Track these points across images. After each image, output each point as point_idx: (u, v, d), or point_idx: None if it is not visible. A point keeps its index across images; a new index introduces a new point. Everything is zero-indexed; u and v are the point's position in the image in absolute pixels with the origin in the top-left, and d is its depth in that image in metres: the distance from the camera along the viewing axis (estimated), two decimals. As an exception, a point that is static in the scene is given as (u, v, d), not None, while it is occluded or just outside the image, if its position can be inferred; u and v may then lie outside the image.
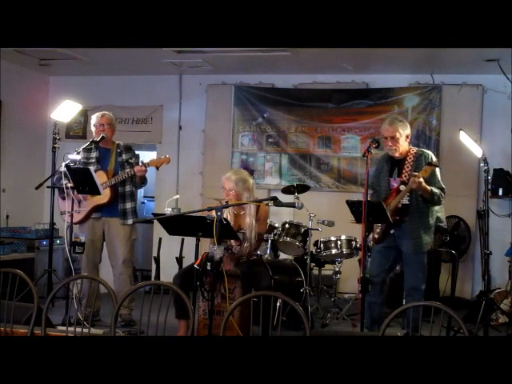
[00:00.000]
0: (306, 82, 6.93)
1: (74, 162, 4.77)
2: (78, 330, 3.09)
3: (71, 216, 4.67)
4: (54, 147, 5.04)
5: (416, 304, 3.10)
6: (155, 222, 5.49)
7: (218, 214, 3.47)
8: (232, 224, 4.14)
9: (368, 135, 6.60)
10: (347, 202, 4.19)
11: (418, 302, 3.65)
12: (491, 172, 5.43)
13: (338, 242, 5.32)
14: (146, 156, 7.11)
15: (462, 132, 5.25)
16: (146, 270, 7.31)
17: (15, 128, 6.95)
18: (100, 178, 4.75)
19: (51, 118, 5.58)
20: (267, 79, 7.05)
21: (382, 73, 6.68)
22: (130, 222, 4.95)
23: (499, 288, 5.66)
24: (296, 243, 5.26)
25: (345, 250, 5.30)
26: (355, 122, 6.79)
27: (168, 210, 5.06)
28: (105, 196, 4.82)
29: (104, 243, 5.07)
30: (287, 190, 5.60)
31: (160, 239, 5.94)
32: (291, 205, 3.87)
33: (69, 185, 4.63)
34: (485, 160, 4.90)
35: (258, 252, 4.70)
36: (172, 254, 5.76)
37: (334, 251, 5.32)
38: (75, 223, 4.79)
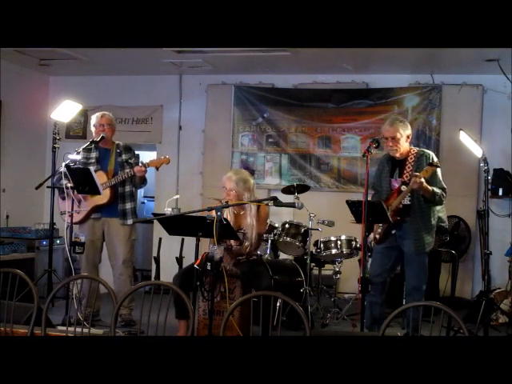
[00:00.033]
0: (306, 82, 6.93)
1: (74, 162, 4.77)
2: (78, 329, 3.09)
3: (71, 216, 4.67)
4: (54, 147, 5.04)
5: (416, 304, 3.10)
6: (155, 221, 5.50)
7: (218, 213, 3.47)
8: (232, 224, 4.14)
9: (368, 135, 6.60)
10: (347, 201, 4.18)
11: (418, 302, 3.65)
12: (491, 172, 5.43)
13: (338, 242, 5.32)
14: (146, 156, 7.12)
15: (461, 132, 5.25)
16: (146, 270, 7.31)
17: (15, 128, 6.95)
18: (100, 178, 4.75)
19: (51, 117, 5.58)
20: (267, 79, 7.05)
21: (381, 73, 6.67)
22: (129, 222, 4.95)
23: (499, 288, 5.66)
24: (296, 243, 5.26)
25: (345, 250, 5.30)
26: (355, 122, 6.79)
27: (168, 210, 5.06)
28: (104, 196, 4.82)
29: (104, 243, 5.07)
30: (287, 190, 5.60)
31: (160, 239, 5.94)
32: (291, 205, 3.87)
33: (69, 185, 4.64)
34: (485, 160, 4.90)
35: (258, 252, 4.70)
36: (172, 253, 5.75)
37: (333, 251, 5.32)
38: (75, 223, 4.79)
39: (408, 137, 4.42)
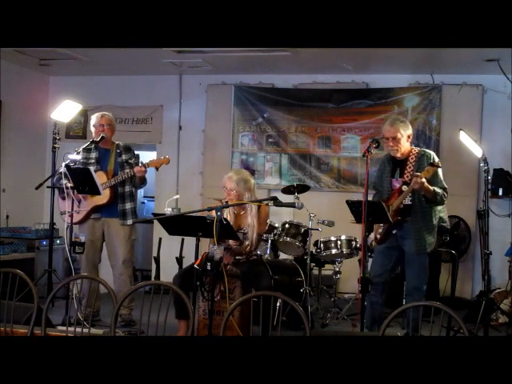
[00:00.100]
0: (306, 82, 6.93)
1: (74, 162, 4.77)
2: (78, 330, 3.09)
3: (71, 216, 4.67)
4: (54, 147, 5.04)
5: (416, 304, 3.09)
6: (155, 221, 5.50)
7: (218, 214, 3.47)
8: (232, 224, 4.15)
9: (368, 135, 6.60)
10: (347, 202, 4.18)
11: (418, 302, 3.65)
12: (491, 172, 5.43)
13: (338, 242, 5.32)
14: (146, 156, 7.12)
15: (461, 132, 5.25)
16: (146, 270, 7.31)
17: (15, 128, 6.95)
18: (100, 178, 4.75)
19: (51, 117, 5.58)
20: (267, 79, 7.05)
21: (382, 73, 6.68)
22: (129, 222, 4.95)
23: (499, 288, 5.66)
24: (296, 243, 5.26)
25: (345, 250, 5.30)
26: (355, 122, 6.79)
27: (168, 210, 5.07)
28: (104, 196, 4.82)
29: (104, 243, 5.07)
30: (287, 190, 5.60)
31: (160, 239, 5.94)
32: (291, 205, 3.87)
33: (69, 185, 4.64)
34: (485, 160, 4.90)
35: (258, 252, 4.70)
36: (172, 253, 5.76)
37: (334, 251, 5.32)
38: (75, 223, 4.79)
39: (409, 137, 4.42)
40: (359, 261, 5.06)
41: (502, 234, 6.00)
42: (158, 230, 5.53)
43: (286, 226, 5.34)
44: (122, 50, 5.77)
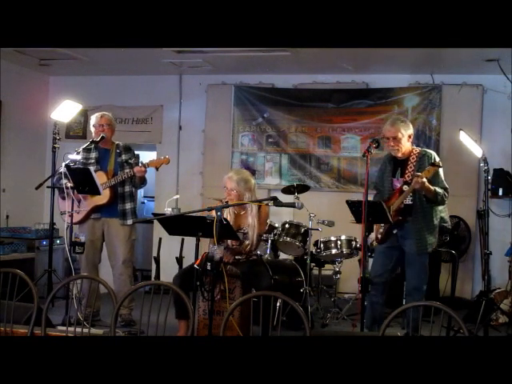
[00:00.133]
0: (306, 82, 6.93)
1: (74, 162, 4.77)
2: (78, 330, 3.09)
3: (71, 216, 4.67)
4: (54, 147, 5.04)
5: (416, 304, 3.09)
6: (155, 221, 5.50)
7: (218, 214, 3.47)
8: (232, 224, 4.15)
9: (368, 135, 6.60)
10: (347, 201, 4.18)
11: (418, 302, 3.65)
12: (491, 172, 5.43)
13: (338, 242, 5.32)
14: (146, 156, 7.12)
15: (461, 132, 5.25)
16: (146, 270, 7.31)
17: (15, 128, 6.95)
18: (100, 178, 4.74)
19: (51, 117, 5.58)
20: (267, 79, 7.05)
21: (382, 73, 6.67)
22: (129, 222, 4.95)
23: (499, 288, 5.66)
24: (296, 243, 5.26)
25: (345, 250, 5.30)
26: (355, 122, 6.79)
27: (168, 210, 5.07)
28: (104, 196, 4.82)
29: (104, 243, 5.07)
30: (287, 190, 5.60)
31: (160, 239, 5.94)
32: (291, 205, 3.87)
33: (69, 184, 4.64)
34: (485, 160, 4.90)
35: (258, 252, 4.70)
36: (172, 253, 5.76)
37: (334, 251, 5.32)
38: (75, 223, 4.79)
39: (410, 136, 4.42)
40: (359, 261, 5.06)
41: (501, 234, 6.00)
42: (158, 230, 5.53)
43: (286, 225, 5.34)
44: (122, 50, 5.77)
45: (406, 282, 4.67)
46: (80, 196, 4.84)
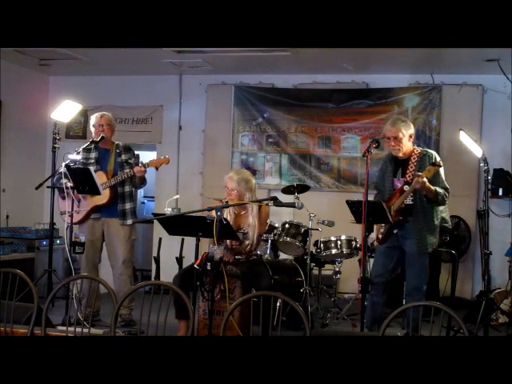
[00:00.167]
0: (306, 82, 6.93)
1: (74, 162, 4.77)
2: (78, 330, 3.09)
3: (71, 216, 4.67)
4: (54, 147, 5.04)
5: (416, 304, 3.09)
6: (155, 221, 5.50)
7: (218, 214, 3.47)
8: (232, 224, 4.14)
9: (368, 135, 6.60)
10: (347, 202, 4.18)
11: (418, 302, 3.65)
12: (491, 172, 5.43)
13: (338, 242, 5.32)
14: (146, 156, 7.12)
15: (461, 132, 5.25)
16: (146, 270, 7.31)
17: (15, 128, 6.95)
18: (99, 178, 4.74)
19: (51, 117, 5.58)
20: (267, 79, 7.05)
21: (382, 73, 6.67)
22: (129, 222, 4.95)
23: (499, 288, 5.66)
24: (296, 243, 5.26)
25: (345, 250, 5.30)
26: (355, 122, 6.79)
27: (168, 210, 5.07)
28: (104, 196, 4.81)
29: (104, 243, 5.07)
30: (287, 190, 5.60)
31: (160, 239, 5.94)
32: (291, 205, 3.87)
33: (69, 184, 4.63)
34: (485, 160, 4.90)
35: (258, 252, 4.70)
36: (172, 253, 5.76)
37: (334, 251, 5.32)
38: (75, 223, 4.79)
39: (411, 136, 4.41)
40: (359, 261, 5.06)
41: (502, 234, 6.00)
42: (158, 230, 5.53)
43: (286, 225, 5.34)
44: (122, 50, 5.77)
45: (406, 282, 4.67)
46: (80, 196, 4.84)
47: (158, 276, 5.91)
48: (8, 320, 3.15)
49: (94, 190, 4.63)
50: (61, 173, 4.85)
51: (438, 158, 4.40)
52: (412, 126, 4.48)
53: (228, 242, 4.39)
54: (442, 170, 4.36)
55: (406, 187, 4.28)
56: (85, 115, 7.07)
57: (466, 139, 5.25)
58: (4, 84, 6.34)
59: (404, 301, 4.95)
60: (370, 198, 4.19)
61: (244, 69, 6.85)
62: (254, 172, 6.66)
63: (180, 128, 7.28)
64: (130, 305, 4.99)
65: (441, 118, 6.55)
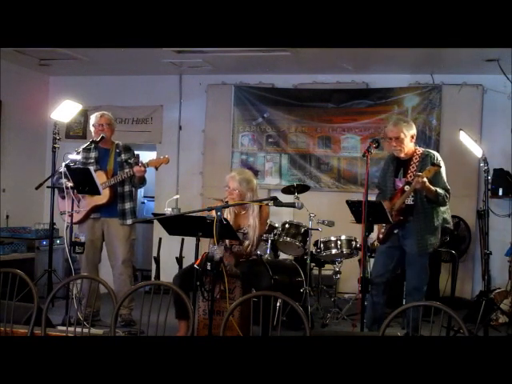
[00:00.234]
0: (306, 82, 6.92)
1: (74, 162, 4.77)
2: (78, 330, 3.09)
3: (71, 216, 4.67)
4: (54, 147, 5.05)
5: (416, 304, 3.09)
6: (155, 221, 5.50)
7: (218, 213, 3.47)
8: (232, 223, 4.15)
9: (368, 135, 6.60)
10: (347, 202, 4.18)
11: (418, 302, 3.65)
12: (491, 172, 5.43)
13: (338, 242, 5.32)
14: (146, 156, 7.11)
15: (461, 132, 5.25)
16: (146, 270, 7.31)
17: (15, 128, 6.95)
18: (99, 178, 4.74)
19: (51, 117, 5.59)
20: (267, 79, 7.05)
21: (382, 73, 6.67)
22: (129, 222, 4.95)
23: (499, 288, 5.65)
24: (296, 243, 5.26)
25: (345, 250, 5.30)
26: (355, 122, 6.79)
27: (168, 210, 5.07)
28: (104, 196, 4.81)
29: (104, 243, 5.07)
30: (287, 190, 5.60)
31: (160, 239, 5.94)
32: (291, 205, 3.87)
33: (68, 184, 4.63)
34: (485, 160, 4.90)
35: (258, 252, 4.70)
36: (172, 253, 5.75)
37: (334, 251, 5.32)
38: (75, 223, 4.79)
39: (412, 137, 4.41)
40: (359, 261, 5.06)
41: (502, 234, 6.00)
42: (158, 230, 5.53)
43: (286, 225, 5.34)
44: (122, 50, 5.77)
45: (406, 282, 4.67)
46: (79, 196, 4.84)
47: (158, 276, 5.91)
48: (8, 320, 3.15)
49: (94, 190, 4.63)
50: (60, 173, 4.85)
51: (440, 159, 4.40)
52: (414, 126, 4.48)
53: (227, 241, 4.39)
54: (443, 170, 4.37)
55: (407, 187, 4.28)
56: (85, 115, 7.07)
57: (465, 139, 5.25)
58: (4, 84, 6.34)
59: (404, 301, 4.95)
60: (370, 197, 4.19)
61: (244, 69, 6.85)
62: (255, 172, 6.65)
63: (180, 128, 7.28)
64: (130, 305, 4.99)
65: (441, 117, 6.55)
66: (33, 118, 7.24)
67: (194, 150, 7.23)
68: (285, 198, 4.48)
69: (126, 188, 4.96)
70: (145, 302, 2.86)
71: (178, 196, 5.95)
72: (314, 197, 6.01)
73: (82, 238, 4.71)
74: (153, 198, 7.75)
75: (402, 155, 4.42)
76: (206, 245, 3.90)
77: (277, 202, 3.75)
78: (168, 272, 5.65)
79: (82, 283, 4.34)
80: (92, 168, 4.66)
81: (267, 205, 4.48)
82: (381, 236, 4.51)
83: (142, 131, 7.34)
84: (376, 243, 4.65)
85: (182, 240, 5.57)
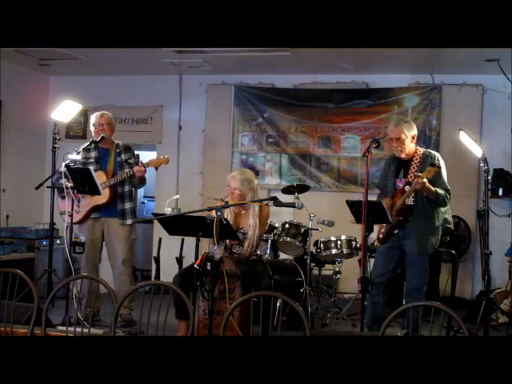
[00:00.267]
0: (306, 82, 6.92)
1: (74, 162, 4.77)
2: (78, 330, 3.09)
3: (71, 216, 4.67)
4: (54, 147, 5.05)
5: (416, 304, 3.09)
6: (155, 221, 5.50)
7: (218, 213, 3.47)
8: (232, 223, 4.15)
9: (368, 135, 6.60)
10: (347, 202, 4.18)
11: (418, 302, 3.65)
12: (491, 172, 5.43)
13: (338, 242, 5.32)
14: (146, 156, 7.11)
15: (461, 132, 5.25)
16: (146, 270, 7.31)
17: (15, 128, 6.95)
18: (99, 177, 4.74)
19: (51, 117, 5.59)
20: (267, 79, 7.05)
21: (382, 73, 6.67)
22: (128, 222, 4.95)
23: (499, 288, 5.66)
24: (296, 243, 5.26)
25: (345, 250, 5.30)
26: (355, 122, 6.78)
27: (168, 210, 5.07)
28: (104, 196, 4.81)
29: (103, 243, 5.07)
30: (287, 190, 5.60)
31: (160, 239, 5.94)
32: (291, 205, 3.87)
33: (68, 184, 4.63)
34: (485, 160, 4.90)
35: (258, 252, 4.70)
36: (172, 253, 5.76)
37: (334, 251, 5.32)
38: (74, 223, 4.79)
39: (413, 137, 4.41)
40: (359, 261, 5.06)
41: (502, 234, 6.00)
42: (158, 230, 5.53)
43: (286, 225, 5.34)
44: (122, 50, 5.77)
45: (406, 282, 4.67)
46: (79, 196, 4.84)
47: (158, 276, 5.91)
48: (8, 320, 3.15)
49: (94, 190, 4.63)
50: (60, 173, 4.85)
51: (441, 159, 4.40)
52: (415, 126, 4.48)
53: (227, 242, 4.39)
54: (444, 171, 4.37)
55: (408, 188, 4.28)
56: (85, 115, 7.07)
57: (465, 139, 5.25)
58: (4, 84, 6.34)
59: (404, 301, 4.95)
60: (370, 197, 4.19)
61: (244, 69, 6.85)
62: (256, 172, 6.65)
63: (180, 128, 7.28)
64: (130, 305, 4.99)
65: (441, 117, 6.55)
66: (33, 118, 7.24)
67: (194, 150, 7.23)
68: (285, 198, 4.48)
69: (126, 188, 4.96)
70: (145, 302, 2.86)
71: (177, 196, 5.95)
72: (313, 197, 6.01)
73: (82, 238, 4.71)
74: (153, 198, 7.75)
75: (403, 156, 4.42)
76: (206, 245, 3.90)
77: (277, 202, 3.75)
78: (168, 272, 5.65)
79: (81, 283, 4.34)
80: (92, 168, 4.66)
81: (267, 205, 4.48)
82: (381, 236, 4.51)
83: (141, 131, 7.35)
84: (376, 243, 4.65)
85: (182, 240, 5.57)
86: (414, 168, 4.38)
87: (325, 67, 6.59)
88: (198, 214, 3.84)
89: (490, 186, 5.29)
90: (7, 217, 6.77)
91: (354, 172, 6.79)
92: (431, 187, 4.20)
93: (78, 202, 4.88)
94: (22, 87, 7.08)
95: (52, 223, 5.22)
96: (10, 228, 6.51)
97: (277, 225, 5.33)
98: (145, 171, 4.81)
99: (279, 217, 5.85)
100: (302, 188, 5.59)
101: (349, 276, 6.11)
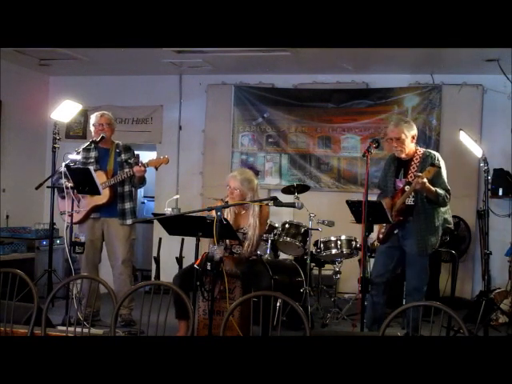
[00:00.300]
0: (306, 82, 6.92)
1: (74, 162, 4.77)
2: (78, 330, 3.09)
3: (71, 216, 4.67)
4: (54, 147, 5.04)
5: (416, 304, 3.09)
6: (155, 221, 5.50)
7: (218, 213, 3.47)
8: (232, 223, 4.15)
9: (368, 135, 6.60)
10: (347, 202, 4.18)
11: (418, 302, 3.65)
12: (491, 172, 5.43)
13: (338, 242, 5.32)
14: (146, 156, 7.11)
15: (461, 132, 5.25)
16: (146, 270, 7.31)
17: (15, 128, 6.95)
18: (99, 177, 4.74)
19: (51, 117, 5.59)
20: (267, 79, 7.05)
21: (382, 73, 6.67)
22: (128, 222, 4.95)
23: (499, 288, 5.66)
24: (296, 243, 5.26)
25: (345, 250, 5.30)
26: (355, 122, 6.78)
27: (168, 210, 5.07)
28: (104, 196, 4.81)
29: (103, 243, 5.07)
30: (287, 190, 5.60)
31: (160, 239, 5.94)
32: (291, 205, 3.87)
33: (68, 184, 4.63)
34: (485, 160, 4.90)
35: (258, 252, 4.70)
36: (172, 253, 5.76)
37: (334, 251, 5.32)
38: (74, 223, 4.79)
39: (413, 137, 4.41)
40: (359, 261, 5.06)
41: (502, 234, 6.00)
42: (158, 230, 5.53)
43: (286, 225, 5.34)
44: (122, 50, 5.77)
45: (406, 282, 4.67)
46: (79, 196, 4.84)
47: (158, 276, 5.91)
48: (8, 320, 3.15)
49: (94, 190, 4.63)
50: (60, 173, 4.85)
51: (441, 159, 4.40)
52: (415, 126, 4.48)
53: (227, 242, 4.39)
54: (444, 171, 4.37)
55: (408, 187, 4.28)
56: (85, 115, 7.07)
57: (465, 139, 5.25)
58: (4, 84, 6.34)
59: (404, 301, 4.95)
60: (370, 197, 4.19)
61: (244, 69, 6.85)
62: (257, 172, 6.65)
63: (180, 128, 7.28)
64: (130, 305, 4.99)
65: (441, 117, 6.55)
66: (33, 118, 7.24)
67: (194, 150, 7.23)
68: (285, 198, 4.48)
69: (126, 188, 4.96)
70: (145, 302, 2.86)
71: (177, 196, 5.96)
72: (313, 197, 6.01)
73: (82, 238, 4.71)
74: (153, 198, 7.75)
75: (403, 156, 4.42)
76: (206, 245, 3.90)
77: (277, 202, 3.75)
78: (168, 272, 5.65)
79: (82, 283, 4.34)
80: (92, 168, 4.66)
81: (267, 205, 4.48)
82: (381, 236, 4.51)
83: (141, 131, 7.35)
84: (376, 243, 4.65)
85: (182, 240, 5.57)
86: (413, 168, 4.38)
87: (325, 67, 6.59)
88: (198, 214, 3.84)
89: (489, 186, 5.29)
90: (7, 217, 6.77)
91: (354, 172, 6.79)
92: (431, 187, 4.20)
93: (78, 202, 4.88)
94: (22, 87, 7.08)
95: (52, 223, 5.22)
96: (10, 228, 6.51)
97: (277, 225, 5.33)
98: (145, 171, 4.81)
99: (279, 217, 5.85)
100: (302, 188, 5.59)
101: (349, 276, 6.11)
